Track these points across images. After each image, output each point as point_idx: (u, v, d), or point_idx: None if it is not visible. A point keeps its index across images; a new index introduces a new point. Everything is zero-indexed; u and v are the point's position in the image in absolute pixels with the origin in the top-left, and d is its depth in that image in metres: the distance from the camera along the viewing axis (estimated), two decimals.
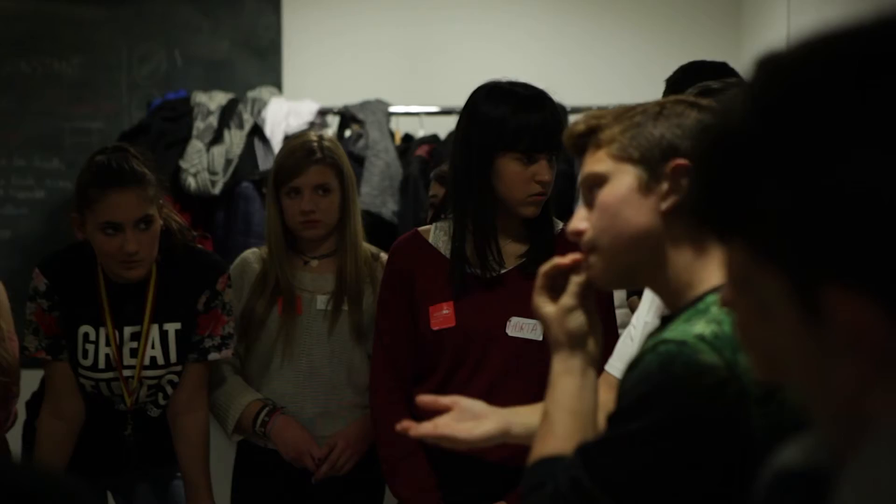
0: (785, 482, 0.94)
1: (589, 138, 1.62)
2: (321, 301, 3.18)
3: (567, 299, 1.64)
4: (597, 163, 1.60)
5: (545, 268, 1.67)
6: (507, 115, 2.72)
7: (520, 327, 2.77)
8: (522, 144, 2.71)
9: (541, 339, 2.73)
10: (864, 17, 0.82)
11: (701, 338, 1.42)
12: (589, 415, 1.59)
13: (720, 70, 2.97)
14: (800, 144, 0.81)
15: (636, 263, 1.57)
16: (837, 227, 0.79)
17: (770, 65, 0.85)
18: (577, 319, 1.63)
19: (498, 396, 2.77)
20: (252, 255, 3.26)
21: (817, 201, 0.80)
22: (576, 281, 1.64)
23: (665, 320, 1.56)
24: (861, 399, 0.83)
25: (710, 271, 1.53)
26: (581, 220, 1.62)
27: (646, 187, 1.55)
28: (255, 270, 3.20)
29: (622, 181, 1.56)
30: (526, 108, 2.73)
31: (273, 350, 3.17)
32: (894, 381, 0.81)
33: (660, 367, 1.42)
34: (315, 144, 3.17)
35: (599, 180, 1.59)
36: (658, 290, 1.60)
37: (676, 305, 1.55)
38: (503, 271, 2.80)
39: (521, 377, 2.76)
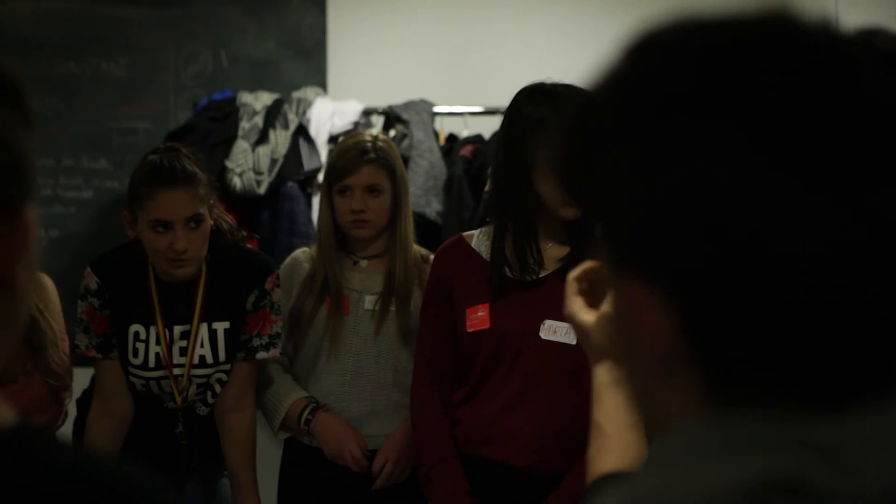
0: None
1: None
2: (369, 301, 3.18)
3: (608, 306, 1.61)
4: None
5: (575, 273, 1.60)
6: (549, 115, 2.71)
7: (553, 330, 2.76)
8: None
9: (574, 342, 2.72)
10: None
11: None
12: (640, 424, 1.57)
13: None
14: (618, 132, 0.80)
15: None
16: (632, 220, 0.78)
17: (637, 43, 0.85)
18: None
19: (529, 400, 2.78)
20: (302, 254, 3.28)
21: (618, 190, 0.79)
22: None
23: None
24: (650, 397, 0.82)
25: None
26: None
27: None
28: (305, 269, 3.22)
29: None
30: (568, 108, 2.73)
31: (320, 349, 3.19)
32: (675, 391, 0.80)
33: None
34: (369, 144, 3.18)
35: None
36: None
37: None
38: (542, 274, 2.80)
39: (554, 380, 2.75)
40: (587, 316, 1.59)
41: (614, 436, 1.54)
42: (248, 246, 3.11)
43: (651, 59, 0.81)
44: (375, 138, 3.25)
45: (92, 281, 3.00)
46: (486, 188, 3.42)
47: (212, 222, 2.96)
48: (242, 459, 3.06)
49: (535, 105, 2.73)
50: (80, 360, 3.08)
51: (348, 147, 3.21)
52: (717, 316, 0.76)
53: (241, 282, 3.02)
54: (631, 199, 0.78)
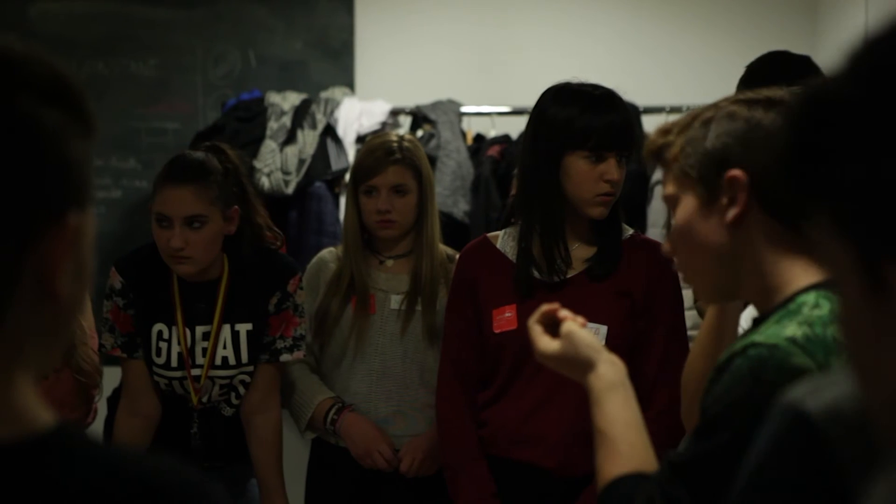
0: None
1: (660, 156, 1.62)
2: (395, 300, 3.19)
3: (565, 326, 1.66)
4: (667, 185, 1.61)
5: (534, 318, 1.70)
6: (576, 115, 2.71)
7: None
8: (591, 143, 2.70)
9: (603, 343, 2.72)
10: None
11: (793, 340, 1.39)
12: (642, 424, 1.57)
13: (803, 63, 2.94)
14: (884, 116, 0.79)
15: (722, 279, 1.57)
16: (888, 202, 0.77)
17: (869, 42, 0.84)
18: (584, 336, 1.64)
19: (558, 400, 2.77)
20: (329, 254, 3.28)
21: (889, 174, 0.78)
22: (564, 314, 1.68)
23: (756, 322, 1.53)
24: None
25: (796, 272, 1.50)
26: (667, 240, 1.63)
27: (707, 205, 1.55)
28: (331, 269, 3.22)
29: (687, 203, 1.57)
30: (595, 108, 2.73)
31: (346, 348, 3.19)
32: None
33: (751, 372, 1.39)
34: (395, 145, 3.18)
35: (672, 202, 1.60)
36: (751, 298, 1.58)
37: (766, 308, 1.53)
38: (570, 275, 2.79)
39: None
40: (554, 344, 1.66)
41: (618, 439, 1.55)
42: (273, 248, 3.10)
43: (885, 58, 0.81)
44: (401, 138, 3.25)
45: (116, 280, 3.01)
46: (512, 191, 3.42)
47: (231, 226, 2.94)
48: (269, 460, 3.06)
49: (562, 105, 2.73)
50: (109, 358, 3.10)
51: (374, 147, 3.21)
52: None
53: (263, 284, 3.02)
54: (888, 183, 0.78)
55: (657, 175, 4.26)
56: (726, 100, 1.60)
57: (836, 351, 1.38)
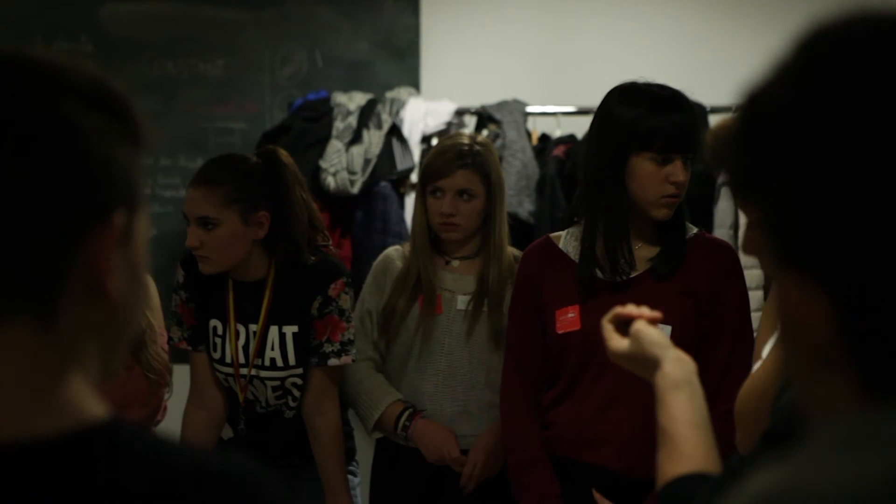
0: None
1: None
2: (462, 301, 3.18)
3: (634, 325, 1.66)
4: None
5: (607, 317, 1.70)
6: (643, 115, 2.69)
7: None
8: (657, 144, 2.68)
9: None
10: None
11: None
12: (707, 423, 1.55)
13: None
14: (797, 124, 0.80)
15: None
16: (797, 214, 0.80)
17: (807, 38, 0.85)
18: (651, 334, 1.63)
19: (623, 401, 2.75)
20: (395, 252, 3.29)
21: (786, 185, 0.80)
22: (637, 327, 1.67)
23: None
24: (808, 390, 0.84)
25: None
26: (750, 241, 1.60)
27: None
28: (398, 268, 3.23)
29: None
30: (661, 109, 2.70)
31: (412, 347, 3.20)
32: (831, 383, 0.81)
33: None
34: (466, 148, 3.17)
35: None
36: None
37: None
38: (633, 275, 2.78)
39: (646, 382, 2.72)
40: (623, 342, 1.66)
41: (680, 438, 1.53)
42: (326, 251, 3.11)
43: (825, 54, 0.82)
44: (474, 141, 3.23)
45: (180, 274, 3.10)
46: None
47: (261, 233, 2.97)
48: (330, 462, 3.08)
49: (628, 105, 2.71)
50: (180, 356, 3.14)
51: (446, 148, 3.20)
52: (874, 311, 0.78)
53: (306, 287, 3.04)
54: (799, 192, 0.79)
55: (724, 175, 4.22)
56: None
57: None
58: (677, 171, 2.69)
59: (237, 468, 0.94)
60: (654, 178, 2.69)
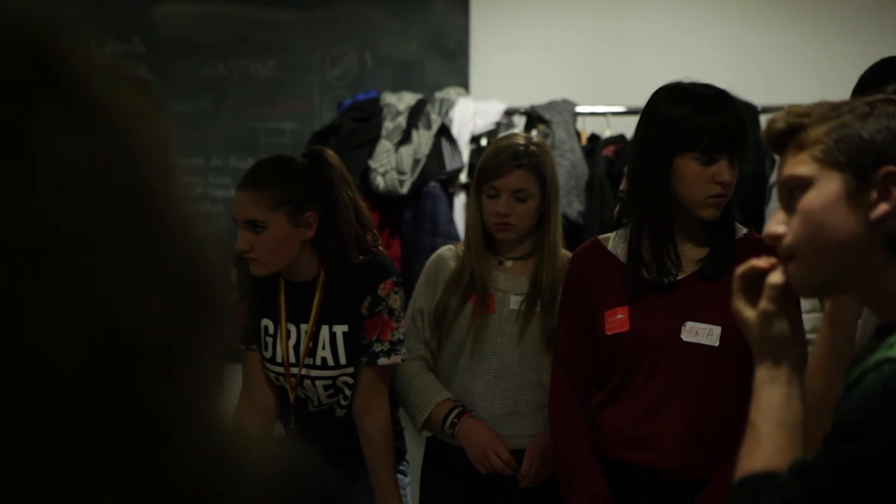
0: None
1: (790, 137, 1.54)
2: (514, 301, 3.18)
3: (766, 304, 1.55)
4: (799, 165, 1.52)
5: (741, 269, 1.60)
6: (688, 115, 2.67)
7: (695, 332, 2.71)
8: (702, 144, 2.66)
9: (716, 344, 2.68)
10: None
11: None
12: (798, 427, 1.51)
13: None
14: None
15: (839, 273, 1.50)
16: None
17: None
18: (780, 326, 1.55)
19: (672, 402, 2.74)
20: (448, 251, 3.30)
21: None
22: (772, 285, 1.55)
23: (880, 331, 1.48)
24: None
25: None
26: (780, 223, 1.54)
27: (854, 195, 1.47)
28: (451, 267, 3.23)
29: (827, 187, 1.49)
30: (707, 108, 2.69)
31: (464, 346, 3.20)
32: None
33: (884, 388, 1.35)
34: (521, 148, 3.17)
35: (802, 184, 1.51)
36: (865, 301, 1.53)
37: (889, 317, 1.47)
38: (681, 276, 2.76)
39: (697, 383, 2.71)
40: (749, 313, 1.57)
41: (767, 435, 1.49)
42: (376, 251, 3.12)
43: None
44: (530, 141, 3.23)
45: (232, 273, 3.10)
46: (622, 187, 3.40)
47: (310, 233, 2.98)
48: (379, 461, 3.09)
49: (673, 105, 2.70)
50: (231, 355, 3.17)
51: (501, 149, 3.20)
52: None
53: (355, 287, 3.05)
54: None
55: (775, 177, 4.19)
56: (878, 99, 1.52)
57: None
58: (722, 170, 2.67)
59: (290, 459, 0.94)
60: (699, 179, 2.67)
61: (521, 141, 3.22)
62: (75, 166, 0.48)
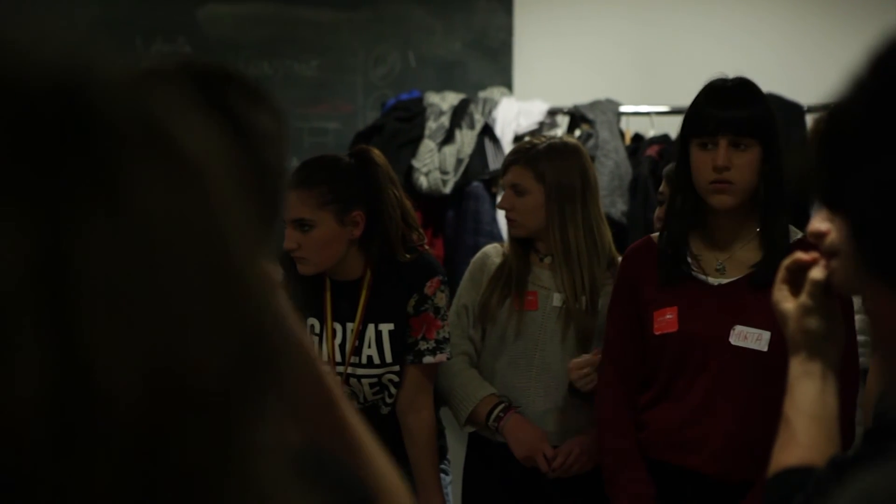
0: None
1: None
2: (557, 298, 3.19)
3: (805, 298, 1.55)
4: None
5: (787, 261, 1.59)
6: (699, 103, 2.70)
7: (744, 336, 2.70)
8: (699, 128, 2.68)
9: (765, 349, 2.66)
10: None
11: None
12: (832, 420, 1.50)
13: None
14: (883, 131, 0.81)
15: None
16: (876, 221, 0.81)
17: (881, 53, 0.85)
18: (816, 321, 1.54)
19: (719, 405, 2.72)
20: (493, 249, 3.32)
21: (866, 193, 0.81)
22: (813, 280, 1.55)
23: None
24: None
25: None
26: (823, 221, 1.53)
27: None
28: (495, 264, 3.25)
29: None
30: (718, 96, 2.70)
31: (506, 342, 3.21)
32: None
33: None
34: (526, 146, 3.30)
35: None
36: None
37: None
38: (733, 279, 2.75)
39: (744, 386, 2.69)
40: (788, 304, 1.57)
41: (800, 430, 1.49)
42: (421, 249, 3.13)
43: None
44: (543, 140, 3.27)
45: (278, 273, 3.11)
46: (661, 188, 3.39)
47: (357, 232, 2.99)
48: (423, 459, 3.10)
49: (717, 104, 2.70)
50: None
51: (513, 148, 3.36)
52: None
53: (402, 286, 3.06)
54: (877, 200, 0.79)
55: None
56: None
57: None
58: (719, 154, 2.65)
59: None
60: (701, 164, 2.68)
61: (531, 139, 3.30)
62: (160, 218, 0.49)
